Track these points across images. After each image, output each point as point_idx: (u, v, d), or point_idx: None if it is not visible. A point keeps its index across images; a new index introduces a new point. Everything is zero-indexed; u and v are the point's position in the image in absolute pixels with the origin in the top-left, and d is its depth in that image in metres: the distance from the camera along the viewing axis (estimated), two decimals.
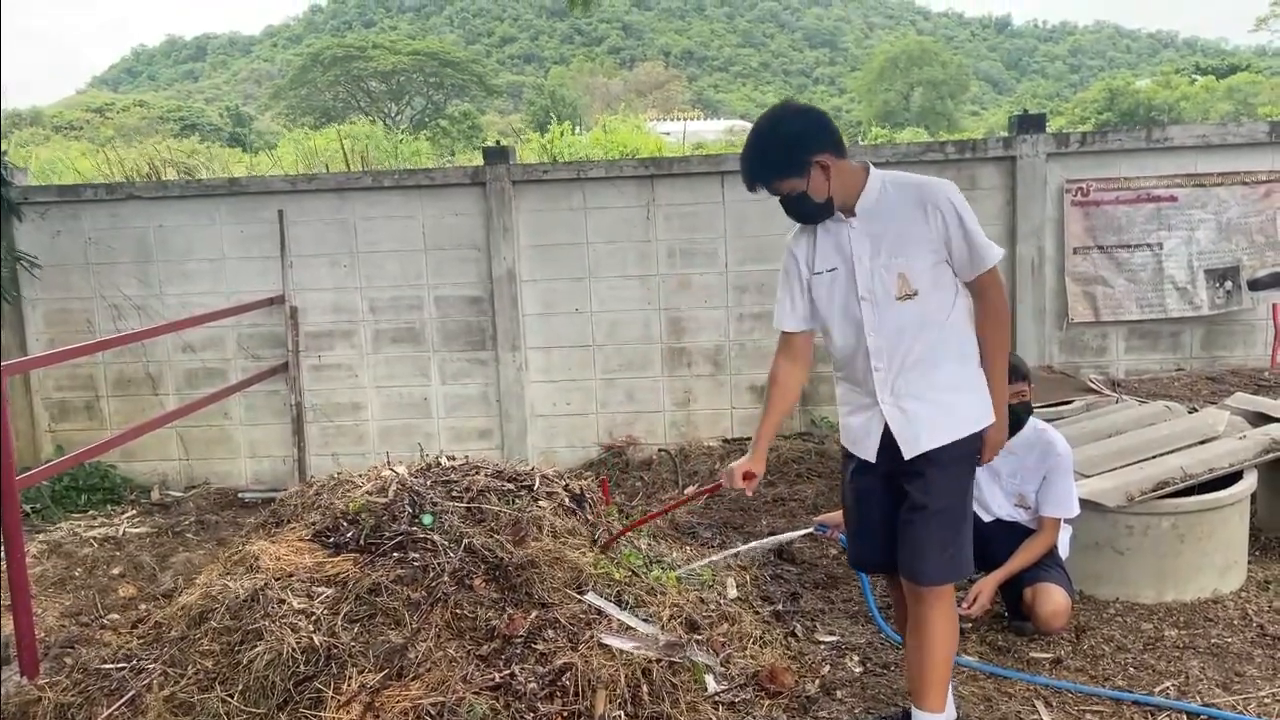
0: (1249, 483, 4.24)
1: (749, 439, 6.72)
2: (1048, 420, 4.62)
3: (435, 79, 50.55)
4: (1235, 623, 3.97)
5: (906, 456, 2.85)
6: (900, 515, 2.89)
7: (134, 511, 6.58)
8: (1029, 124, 6.72)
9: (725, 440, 6.95)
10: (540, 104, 51.66)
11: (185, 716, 2.91)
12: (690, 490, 5.25)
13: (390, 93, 50.93)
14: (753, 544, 4.43)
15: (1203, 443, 4.51)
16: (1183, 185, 6.64)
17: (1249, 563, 4.42)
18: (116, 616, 4.84)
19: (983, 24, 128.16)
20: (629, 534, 3.98)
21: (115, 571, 5.45)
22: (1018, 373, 3.78)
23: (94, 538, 5.96)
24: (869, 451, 2.93)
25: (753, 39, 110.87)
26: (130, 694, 3.05)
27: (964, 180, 6.71)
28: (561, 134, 21.93)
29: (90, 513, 6.56)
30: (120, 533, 6.07)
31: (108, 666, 3.22)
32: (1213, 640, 3.82)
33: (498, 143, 7.15)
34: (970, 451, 2.88)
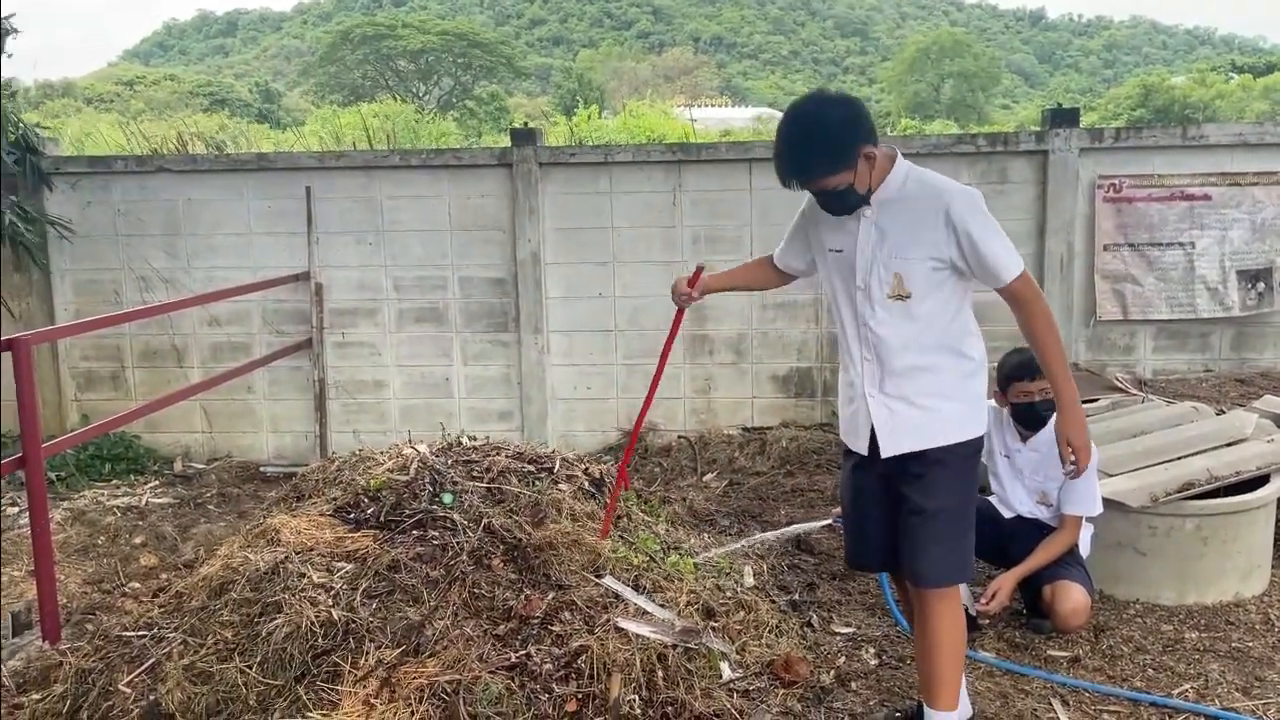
0: (1276, 486, 4.19)
1: (769, 428, 6.77)
2: None
3: (464, 59, 50.58)
4: (1257, 627, 3.93)
5: (883, 454, 2.83)
6: (901, 518, 2.87)
7: (157, 482, 6.64)
8: (1062, 118, 6.64)
9: (745, 429, 6.93)
10: (568, 87, 51.60)
11: (204, 685, 2.93)
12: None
13: (418, 72, 51.00)
14: (771, 534, 4.42)
15: (1230, 445, 4.46)
16: (1217, 184, 6.55)
17: (1273, 567, 4.37)
18: (138, 585, 4.89)
19: (1016, 16, 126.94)
20: (646, 519, 3.97)
21: (137, 541, 5.51)
22: (1038, 372, 3.75)
23: (117, 507, 6.02)
24: (861, 444, 2.91)
25: (783, 26, 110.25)
26: (150, 661, 3.08)
27: (994, 173, 6.66)
28: (588, 118, 21.92)
29: (114, 482, 6.62)
30: (143, 503, 6.13)
31: (129, 634, 3.25)
32: (1233, 644, 3.79)
33: (525, 124, 7.14)
34: (968, 456, 2.84)
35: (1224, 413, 4.96)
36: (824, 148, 2.70)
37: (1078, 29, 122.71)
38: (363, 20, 58.20)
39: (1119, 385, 5.71)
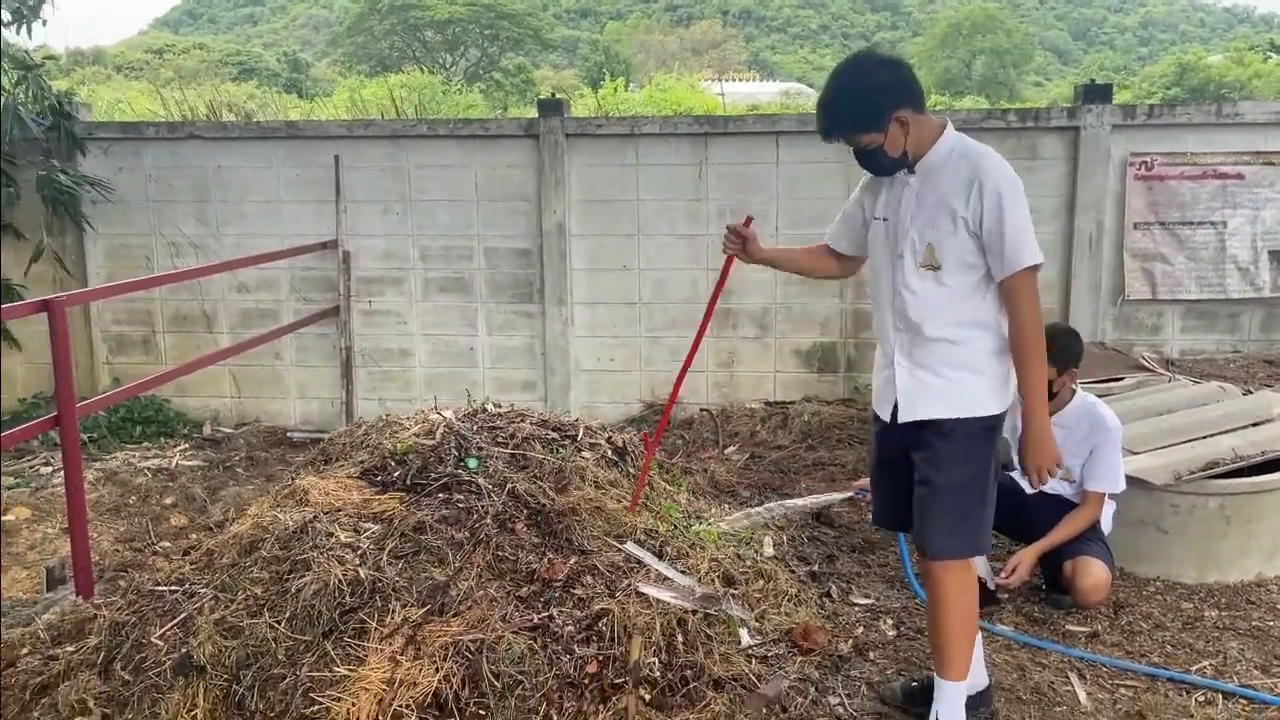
0: None
1: (792, 403, 6.77)
2: (1098, 397, 4.58)
3: (491, 31, 50.36)
4: (1278, 606, 3.93)
5: (901, 419, 2.86)
6: (914, 488, 2.89)
7: (186, 445, 6.74)
8: (1095, 94, 6.58)
9: (767, 403, 6.95)
10: (594, 60, 51.31)
11: (234, 639, 3.00)
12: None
13: (445, 43, 50.84)
14: (793, 502, 4.45)
15: (1256, 425, 4.44)
16: (1251, 163, 6.48)
17: None
18: (168, 544, 4.99)
19: None
20: (669, 488, 4.01)
21: (168, 501, 5.61)
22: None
23: (148, 468, 6.12)
24: (885, 410, 2.94)
25: (812, 0, 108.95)
26: (182, 616, 3.15)
27: (1024, 150, 6.60)
28: (614, 90, 21.80)
29: (144, 445, 6.73)
30: (173, 465, 6.24)
31: (161, 588, 3.32)
32: (1254, 623, 3.79)
33: (553, 95, 7.13)
34: (981, 433, 2.83)
35: (1251, 393, 4.93)
36: (854, 106, 2.76)
37: (1114, 5, 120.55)
38: None
39: (1146, 364, 5.68)
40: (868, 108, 2.73)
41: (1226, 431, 4.36)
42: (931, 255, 2.77)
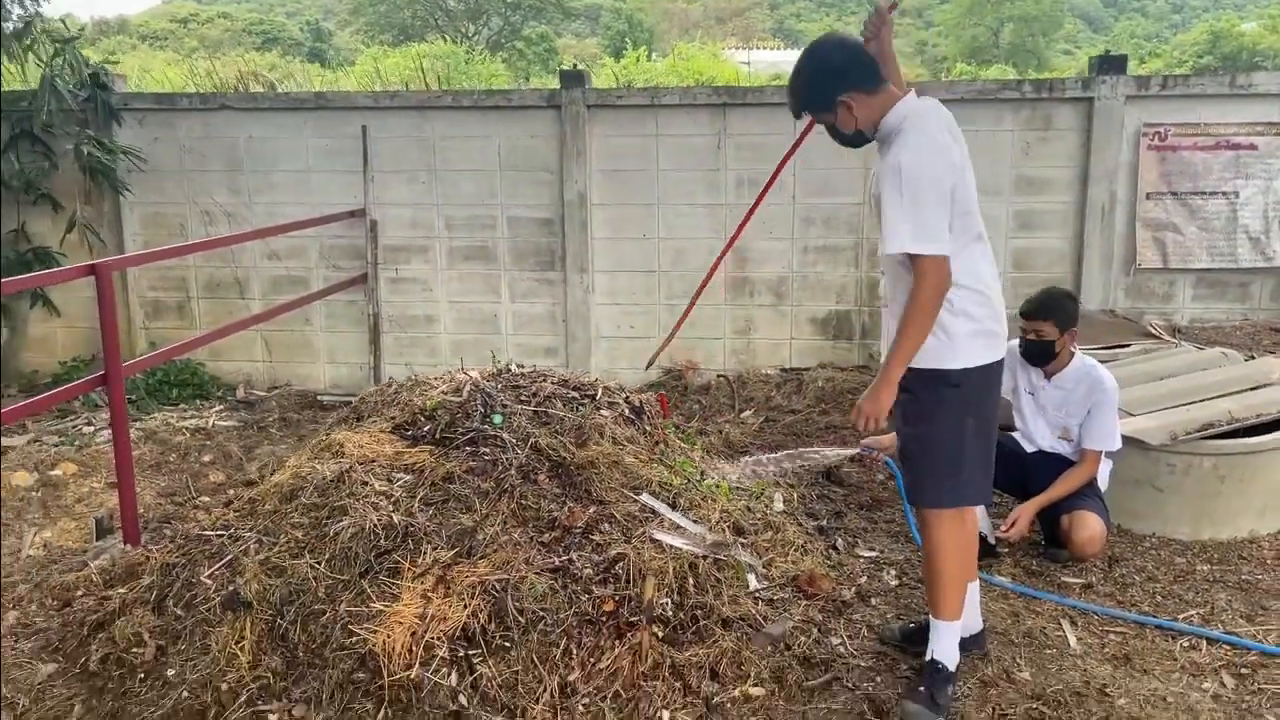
0: None
1: (807, 369, 6.94)
2: (1103, 362, 4.74)
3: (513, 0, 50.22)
4: (1269, 562, 4.09)
5: None
6: None
7: (221, 407, 7.00)
8: (1109, 65, 6.66)
9: (783, 369, 7.12)
10: (617, 28, 51.08)
11: (278, 578, 3.23)
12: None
13: (468, 12, 50.70)
14: (802, 451, 4.64)
15: (1254, 389, 4.58)
16: (1264, 133, 6.56)
17: None
18: (207, 499, 5.25)
19: None
20: (683, 446, 4.21)
21: (206, 459, 5.86)
22: (1040, 312, 3.93)
23: (186, 428, 6.38)
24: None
25: None
26: (229, 557, 3.38)
27: (1039, 120, 6.70)
28: (636, 60, 21.80)
29: (181, 406, 6.99)
30: (210, 425, 6.49)
31: (208, 533, 3.56)
32: (1243, 576, 3.96)
33: (574, 66, 7.28)
34: (943, 389, 2.96)
35: (1254, 359, 5.06)
36: (805, 90, 3.02)
37: None
38: None
39: (1153, 332, 5.81)
40: (815, 92, 2.99)
41: (1224, 395, 4.50)
42: (880, 226, 2.97)
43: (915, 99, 2.95)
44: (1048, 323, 3.95)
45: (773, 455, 4.57)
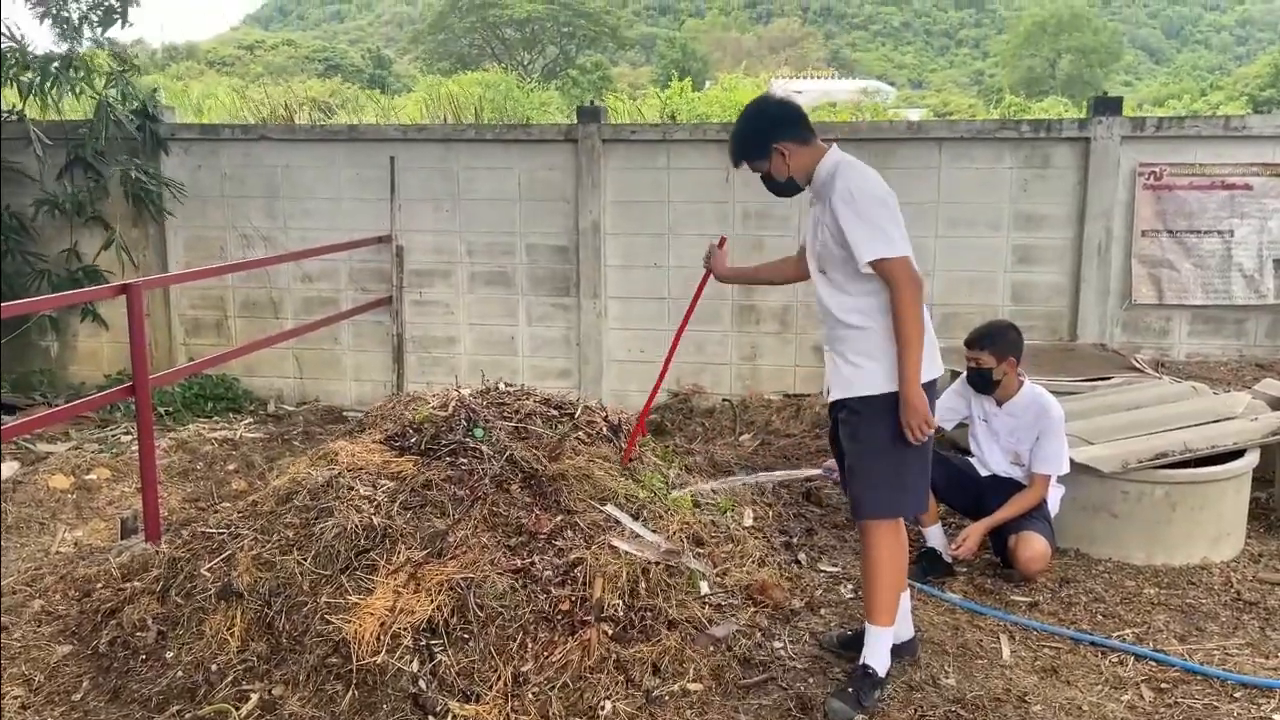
0: (1248, 461, 4.48)
1: (808, 395, 7.19)
2: (1079, 393, 4.97)
3: (569, 29, 51.21)
4: (1215, 588, 4.25)
5: (829, 399, 3.39)
6: None
7: (251, 420, 7.42)
8: (1105, 107, 6.85)
9: (786, 395, 7.36)
10: (671, 57, 51.80)
11: (268, 572, 3.57)
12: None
13: (524, 41, 51.79)
14: (764, 474, 4.89)
15: (1216, 421, 4.74)
16: (1259, 174, 6.69)
17: (1250, 537, 4.66)
18: (228, 505, 5.62)
19: None
20: (657, 459, 4.48)
21: (230, 468, 6.26)
22: (979, 342, 4.18)
23: (215, 439, 6.80)
24: (827, 390, 3.40)
25: None
26: (228, 552, 3.73)
27: (1037, 159, 6.91)
28: (680, 91, 22.21)
29: (214, 418, 7.43)
30: (238, 436, 6.90)
31: (212, 531, 3.91)
32: (1187, 600, 4.13)
33: (591, 102, 7.64)
34: (883, 412, 3.22)
35: (1226, 393, 5.21)
36: (742, 138, 3.36)
37: (1209, 4, 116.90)
38: None
39: (1136, 365, 5.97)
40: (752, 140, 3.33)
41: (1184, 427, 4.67)
42: (820, 261, 3.34)
43: (839, 151, 3.27)
44: (985, 352, 4.18)
45: (734, 480, 4.83)
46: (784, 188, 3.38)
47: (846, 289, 3.26)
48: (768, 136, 3.28)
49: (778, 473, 4.99)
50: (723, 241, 3.96)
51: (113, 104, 7.49)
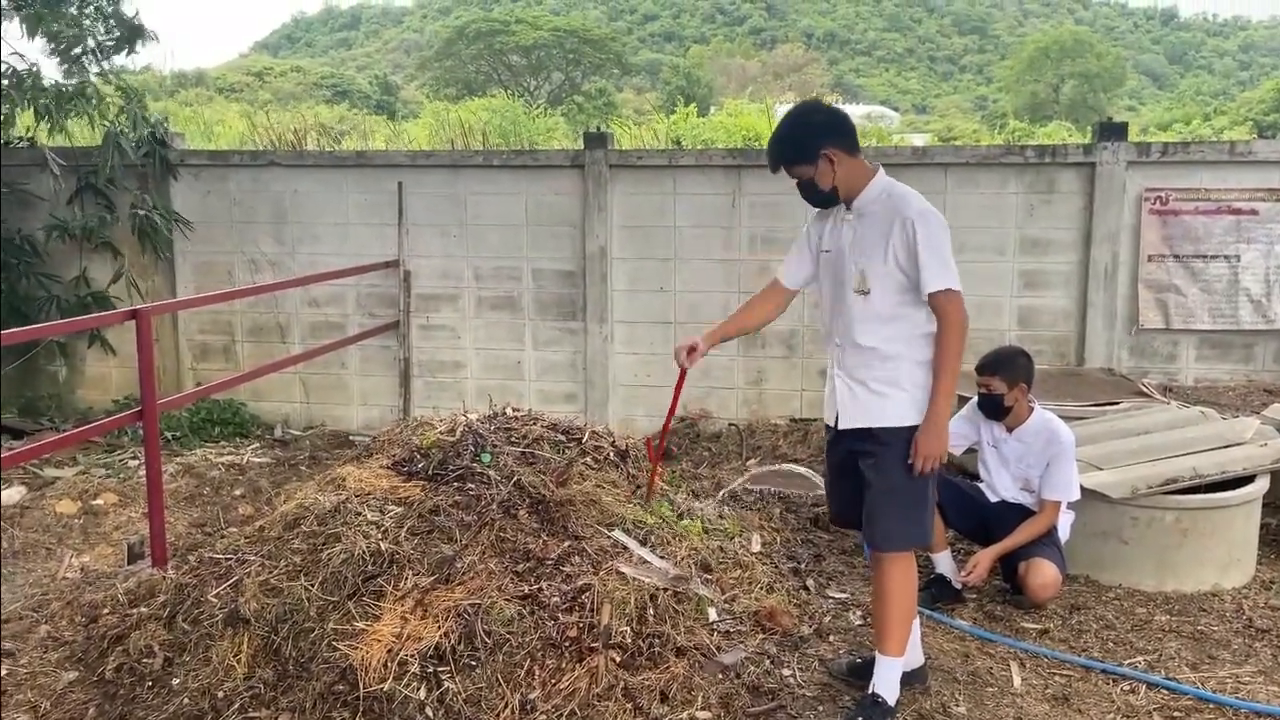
0: (1258, 486, 4.46)
1: (814, 420, 7.17)
2: (1088, 418, 4.96)
3: (574, 55, 51.62)
4: (1227, 614, 4.22)
5: (840, 427, 3.32)
6: (864, 490, 3.31)
7: (258, 444, 7.42)
8: (1110, 132, 6.87)
9: (793, 419, 7.35)
10: (676, 83, 52.14)
11: (274, 598, 3.55)
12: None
13: (530, 67, 52.21)
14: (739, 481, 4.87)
15: (1225, 447, 4.72)
16: (1265, 199, 6.70)
17: (1260, 563, 4.63)
18: (235, 530, 5.62)
19: (1146, 15, 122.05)
20: (666, 488, 4.48)
21: (237, 493, 6.26)
22: (989, 368, 4.17)
23: (222, 464, 6.80)
24: (830, 418, 3.38)
25: (899, 23, 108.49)
26: (235, 578, 3.72)
27: (1042, 184, 6.93)
28: (685, 117, 22.34)
29: (221, 443, 7.43)
30: (244, 461, 6.90)
31: (219, 556, 3.90)
32: (1199, 627, 4.10)
33: (598, 128, 7.69)
34: (908, 441, 3.21)
35: (1235, 418, 5.20)
36: (789, 140, 3.27)
37: (1212, 29, 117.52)
38: (479, 15, 59.87)
39: (1144, 390, 5.96)
40: (801, 142, 3.25)
41: (1195, 453, 4.65)
42: (863, 281, 3.24)
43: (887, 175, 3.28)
44: (995, 378, 4.17)
45: (722, 492, 4.84)
46: (824, 198, 3.31)
47: (887, 314, 3.22)
48: (818, 141, 3.21)
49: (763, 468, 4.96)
50: (691, 353, 3.58)
51: (122, 133, 7.55)
